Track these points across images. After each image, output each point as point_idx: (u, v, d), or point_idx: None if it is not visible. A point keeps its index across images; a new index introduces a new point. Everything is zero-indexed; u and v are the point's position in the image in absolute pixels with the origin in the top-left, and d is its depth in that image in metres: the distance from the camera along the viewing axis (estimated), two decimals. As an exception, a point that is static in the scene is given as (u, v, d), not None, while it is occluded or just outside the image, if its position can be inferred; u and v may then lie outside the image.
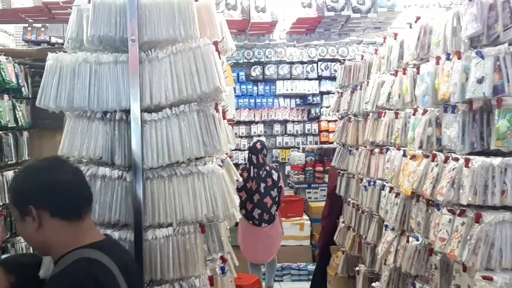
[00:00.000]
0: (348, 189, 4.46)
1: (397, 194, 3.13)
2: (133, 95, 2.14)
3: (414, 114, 2.87)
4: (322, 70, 8.29)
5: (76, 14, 2.30)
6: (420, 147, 2.75)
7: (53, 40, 8.31)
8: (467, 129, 2.37)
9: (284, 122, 8.46)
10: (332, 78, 8.21)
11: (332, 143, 7.89)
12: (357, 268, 4.26)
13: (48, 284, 1.49)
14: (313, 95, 8.35)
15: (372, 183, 3.74)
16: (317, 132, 8.41)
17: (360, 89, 4.00)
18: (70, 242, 1.53)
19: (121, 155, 2.19)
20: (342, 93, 4.59)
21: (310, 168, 7.07)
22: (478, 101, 2.29)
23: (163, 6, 2.18)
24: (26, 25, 8.16)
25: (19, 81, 4.33)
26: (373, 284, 3.79)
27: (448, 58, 2.46)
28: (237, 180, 2.68)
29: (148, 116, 2.18)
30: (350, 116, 4.31)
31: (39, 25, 8.19)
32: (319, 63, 8.27)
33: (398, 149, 3.17)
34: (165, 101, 2.17)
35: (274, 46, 7.85)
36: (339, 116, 4.66)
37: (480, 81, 2.19)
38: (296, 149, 8.08)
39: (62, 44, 8.11)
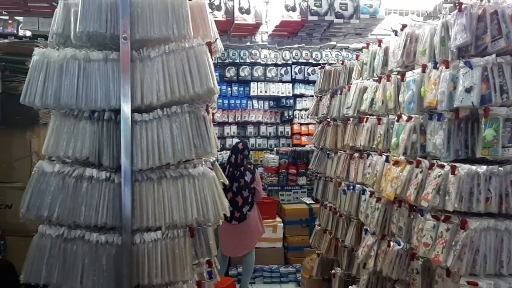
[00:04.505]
0: (325, 192, 4.49)
1: (378, 199, 3.17)
2: (123, 94, 2.08)
3: (398, 121, 2.91)
4: (296, 73, 8.33)
5: (62, 8, 2.22)
6: (404, 153, 2.79)
7: (21, 33, 8.02)
8: (452, 137, 2.43)
9: (257, 124, 8.46)
10: (306, 82, 8.30)
11: (304, 145, 7.96)
12: (333, 271, 4.29)
13: None
14: (287, 97, 8.39)
15: (351, 187, 3.78)
16: (289, 134, 8.45)
17: (340, 94, 4.04)
18: None
19: (109, 156, 2.12)
20: (321, 97, 4.62)
21: (283, 170, 7.08)
22: (465, 110, 2.34)
23: (156, 4, 2.13)
24: (-8, 16, 7.84)
25: (-11, 75, 4.13)
26: (350, 287, 3.83)
27: (435, 67, 2.51)
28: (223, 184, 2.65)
29: (138, 117, 2.12)
30: (329, 120, 4.35)
31: (6, 17, 7.89)
32: (293, 66, 8.31)
33: (380, 154, 3.21)
34: (156, 102, 2.12)
35: (248, 47, 7.84)
36: (318, 120, 4.69)
37: (468, 90, 2.25)
38: (269, 151, 8.09)
39: (32, 37, 7.80)
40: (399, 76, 2.97)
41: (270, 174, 7.14)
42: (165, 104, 2.14)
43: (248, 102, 8.44)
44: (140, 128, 2.11)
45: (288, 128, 8.42)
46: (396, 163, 2.91)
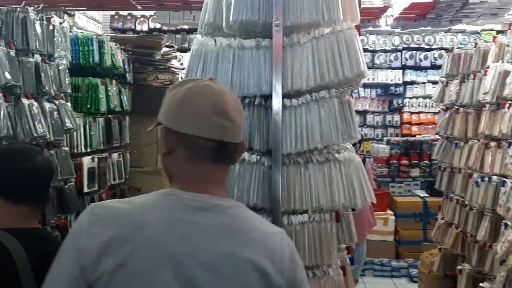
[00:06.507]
0: (451, 184, 4.25)
1: (524, 191, 2.93)
2: (275, 80, 2.13)
3: (553, 106, 2.66)
4: (407, 59, 7.98)
5: None
6: (563, 142, 2.54)
7: (138, 28, 8.61)
8: None
9: (363, 113, 8.24)
10: (417, 68, 7.92)
11: (414, 135, 7.61)
12: (459, 267, 4.07)
13: None
14: (396, 85, 8.07)
15: (486, 178, 3.54)
16: (398, 124, 8.14)
17: (474, 78, 3.78)
18: None
19: (259, 140, 2.18)
20: (447, 82, 4.37)
21: (395, 161, 6.84)
22: None
23: (306, -11, 2.14)
24: (113, 13, 8.51)
25: (125, 67, 4.48)
26: (481, 284, 3.61)
27: None
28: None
29: (288, 102, 2.15)
30: (458, 107, 4.10)
31: (125, 13, 8.52)
32: (403, 51, 7.97)
33: (528, 143, 2.96)
34: (305, 87, 2.14)
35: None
36: (444, 107, 4.45)
37: None
38: (375, 141, 7.86)
39: (149, 31, 8.33)
40: (553, 57, 2.70)
41: (379, 165, 6.94)
42: (313, 89, 2.15)
43: (354, 90, 8.26)
44: (289, 113, 2.15)
45: (397, 117, 8.11)
46: (551, 152, 2.66)
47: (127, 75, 4.59)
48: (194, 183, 1.14)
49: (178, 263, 1.04)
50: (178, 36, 8.26)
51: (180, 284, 1.03)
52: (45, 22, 3.05)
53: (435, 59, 7.77)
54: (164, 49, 5.15)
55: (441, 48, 7.67)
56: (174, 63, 5.37)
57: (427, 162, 6.68)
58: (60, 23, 3.28)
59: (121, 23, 8.73)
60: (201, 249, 1.06)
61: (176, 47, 5.65)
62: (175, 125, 1.13)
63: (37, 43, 2.90)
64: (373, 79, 8.05)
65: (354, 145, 5.44)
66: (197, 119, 1.11)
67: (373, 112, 8.19)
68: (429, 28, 5.44)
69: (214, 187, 1.15)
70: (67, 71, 3.33)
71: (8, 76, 2.62)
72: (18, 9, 2.84)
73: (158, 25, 8.09)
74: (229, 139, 1.14)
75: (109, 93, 4.12)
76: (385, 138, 7.43)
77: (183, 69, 6.62)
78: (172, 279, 1.03)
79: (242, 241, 1.09)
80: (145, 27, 8.58)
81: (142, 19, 8.57)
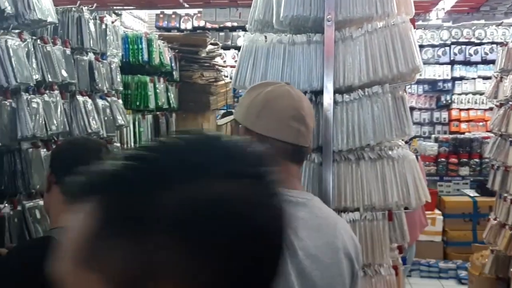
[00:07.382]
0: (505, 183, 4.08)
1: None
2: (327, 76, 2.10)
3: None
4: (455, 54, 7.71)
5: (264, -5, 2.30)
6: None
7: (182, 26, 8.75)
8: None
9: (410, 110, 8.00)
10: (467, 63, 7.64)
11: (463, 133, 7.36)
12: (513, 270, 3.91)
13: None
14: (444, 81, 7.82)
15: (545, 178, 3.37)
16: (446, 121, 7.88)
17: (531, 73, 3.61)
18: (58, 219, 1.48)
19: (310, 137, 2.16)
20: (501, 77, 4.19)
21: (443, 159, 6.63)
22: None
23: (359, -18, 2.10)
24: (158, 12, 8.68)
25: (172, 64, 4.56)
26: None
27: None
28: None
29: (339, 98, 2.12)
30: (513, 103, 3.93)
31: (170, 12, 8.67)
32: (452, 46, 7.70)
33: None
34: (358, 82, 2.10)
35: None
36: (497, 104, 4.27)
37: None
38: (422, 138, 7.66)
39: (192, 30, 8.40)
40: None
41: (427, 163, 6.74)
42: (366, 84, 2.11)
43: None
44: (341, 109, 2.11)
45: (445, 114, 7.85)
46: None
47: (173, 72, 4.67)
48: (283, 179, 1.20)
49: (294, 255, 1.14)
50: (221, 34, 8.33)
51: (295, 274, 1.13)
52: (98, 22, 3.14)
53: (486, 53, 7.47)
54: (209, 47, 5.20)
55: (492, 42, 7.37)
56: (218, 60, 5.42)
57: (477, 160, 6.45)
58: (112, 22, 3.37)
59: (166, 22, 8.89)
60: (307, 241, 1.16)
61: (220, 44, 5.70)
62: (254, 126, 1.21)
63: (91, 42, 3.00)
64: (420, 75, 7.76)
65: (406, 142, 5.35)
66: (276, 123, 1.19)
67: (420, 109, 7.98)
68: (480, 21, 5.20)
69: (298, 182, 1.27)
70: (119, 69, 3.43)
71: (64, 73, 2.72)
72: (73, 9, 2.94)
73: (202, 23, 8.18)
74: (303, 143, 1.23)
75: (157, 90, 4.21)
76: (433, 136, 7.23)
77: (226, 66, 6.68)
78: (291, 270, 1.13)
79: (333, 232, 1.21)
80: (189, 26, 8.71)
81: (186, 17, 8.70)
